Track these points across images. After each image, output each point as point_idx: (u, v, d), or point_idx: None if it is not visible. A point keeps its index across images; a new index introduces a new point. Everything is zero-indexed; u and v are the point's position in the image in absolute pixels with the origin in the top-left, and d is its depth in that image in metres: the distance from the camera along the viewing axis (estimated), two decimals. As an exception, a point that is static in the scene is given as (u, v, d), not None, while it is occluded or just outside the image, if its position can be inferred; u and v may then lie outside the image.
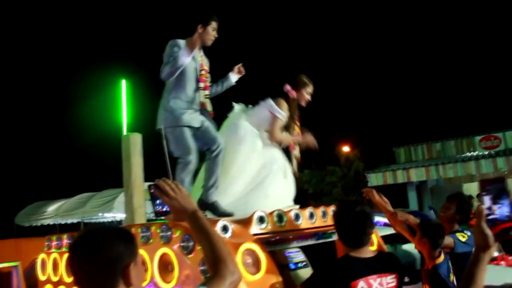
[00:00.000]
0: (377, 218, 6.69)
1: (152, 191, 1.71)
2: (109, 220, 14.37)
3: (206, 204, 3.71)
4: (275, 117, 4.06)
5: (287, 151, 4.26)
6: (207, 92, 3.90)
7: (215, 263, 1.58)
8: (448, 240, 3.34)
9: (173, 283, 2.78)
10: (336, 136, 25.56)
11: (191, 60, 3.73)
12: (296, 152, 4.37)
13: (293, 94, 4.19)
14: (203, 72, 3.85)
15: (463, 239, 3.55)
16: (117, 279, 1.37)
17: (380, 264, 2.39)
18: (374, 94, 33.32)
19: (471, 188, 17.53)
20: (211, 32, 3.83)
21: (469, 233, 3.63)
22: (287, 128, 4.21)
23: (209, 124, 3.86)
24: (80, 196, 14.23)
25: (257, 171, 3.88)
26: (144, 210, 4.15)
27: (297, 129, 4.28)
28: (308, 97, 4.23)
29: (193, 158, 3.71)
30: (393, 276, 2.40)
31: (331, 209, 3.49)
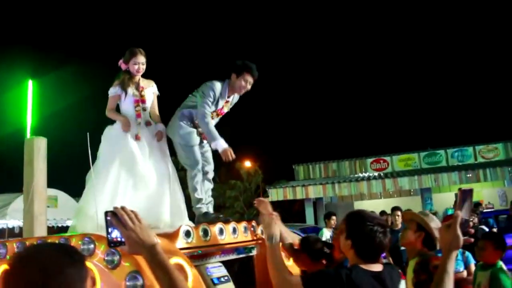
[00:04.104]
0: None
1: (108, 218, 1.59)
2: (0, 227, 13.21)
3: (200, 214, 4.03)
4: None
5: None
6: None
7: None
8: None
9: (95, 301, 2.52)
10: (239, 150, 25.57)
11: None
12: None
13: (123, 66, 4.27)
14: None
15: None
16: None
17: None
18: (276, 111, 34.39)
19: (361, 206, 19.04)
20: (242, 84, 4.13)
21: None
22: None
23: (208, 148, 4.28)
24: (-32, 200, 13.06)
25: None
26: (45, 218, 4.00)
27: (139, 95, 4.26)
28: (137, 66, 4.21)
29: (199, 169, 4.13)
30: None
31: (251, 225, 3.64)
